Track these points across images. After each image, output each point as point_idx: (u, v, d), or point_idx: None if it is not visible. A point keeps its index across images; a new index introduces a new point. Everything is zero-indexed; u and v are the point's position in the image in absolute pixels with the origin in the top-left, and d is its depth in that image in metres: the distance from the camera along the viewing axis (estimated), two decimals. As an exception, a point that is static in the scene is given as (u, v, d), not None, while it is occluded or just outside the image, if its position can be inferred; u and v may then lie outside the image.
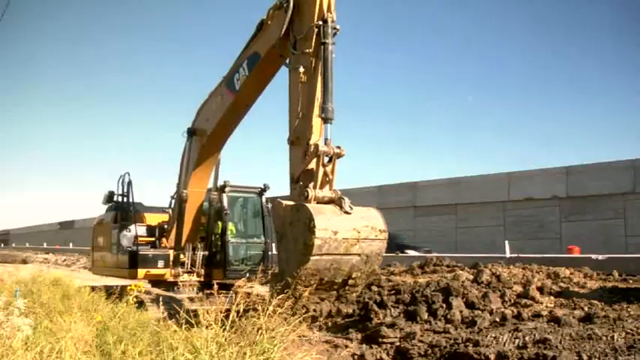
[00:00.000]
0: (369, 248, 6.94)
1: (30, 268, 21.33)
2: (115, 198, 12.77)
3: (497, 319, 10.58)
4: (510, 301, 12.38)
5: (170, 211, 12.30)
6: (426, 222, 29.82)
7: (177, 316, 7.16)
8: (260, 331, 5.77)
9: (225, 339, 5.45)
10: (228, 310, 6.27)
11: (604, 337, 8.49)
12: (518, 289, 13.07)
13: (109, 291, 11.07)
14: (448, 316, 10.84)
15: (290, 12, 7.98)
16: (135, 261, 11.44)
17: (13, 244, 71.75)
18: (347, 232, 6.65)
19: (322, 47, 7.44)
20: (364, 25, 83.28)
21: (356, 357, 8.97)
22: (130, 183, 12.22)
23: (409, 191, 30.90)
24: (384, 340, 9.53)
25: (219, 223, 12.37)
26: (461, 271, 15.60)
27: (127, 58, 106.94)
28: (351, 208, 6.87)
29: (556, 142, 65.68)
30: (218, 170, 12.28)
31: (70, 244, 59.24)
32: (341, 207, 6.88)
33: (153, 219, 12.70)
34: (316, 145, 7.12)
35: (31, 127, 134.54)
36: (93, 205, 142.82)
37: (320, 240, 6.48)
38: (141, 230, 12.09)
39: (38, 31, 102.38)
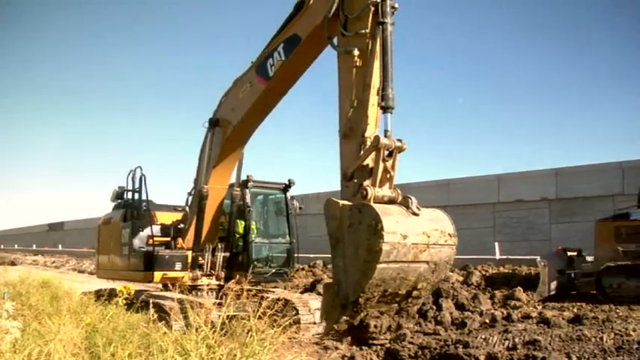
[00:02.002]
0: (438, 255, 6.05)
1: (18, 270, 21.20)
2: (124, 195, 11.94)
3: (487, 321, 10.64)
4: (500, 302, 12.44)
5: (187, 208, 11.43)
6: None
7: (167, 318, 7.14)
8: (250, 333, 5.75)
9: (216, 341, 5.43)
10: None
11: (593, 338, 8.54)
12: (507, 290, 13.17)
13: (98, 293, 10.90)
14: (438, 318, 10.89)
15: None
16: (151, 263, 10.55)
17: (2, 246, 71.28)
18: (416, 237, 5.81)
19: (380, 27, 6.54)
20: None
21: (346, 359, 8.98)
22: (142, 178, 11.33)
23: (403, 192, 30.77)
24: (375, 341, 9.51)
25: (241, 221, 11.51)
26: (451, 273, 15.67)
27: (118, 58, 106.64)
28: (419, 209, 6.06)
29: (545, 143, 65.96)
30: (241, 165, 11.42)
31: (60, 246, 58.95)
32: (407, 207, 6.03)
33: (165, 218, 11.78)
34: (376, 138, 6.19)
35: (19, 128, 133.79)
36: (83, 207, 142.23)
37: (388, 245, 5.58)
38: (154, 230, 11.11)
39: (35, 32, 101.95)
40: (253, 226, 11.72)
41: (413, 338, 9.50)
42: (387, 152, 6.24)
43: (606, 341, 8.42)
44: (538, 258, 14.88)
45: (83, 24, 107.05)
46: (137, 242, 10.96)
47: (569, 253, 15.26)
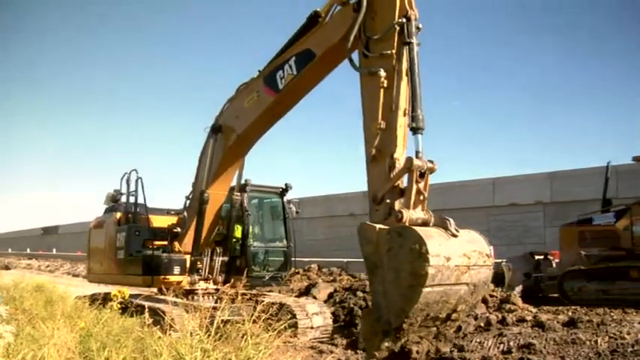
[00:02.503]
0: (478, 276, 5.89)
1: (12, 274, 21.14)
2: (119, 198, 11.81)
3: (482, 324, 10.63)
4: (495, 306, 12.43)
5: (185, 212, 11.20)
6: (412, 228, 29.87)
7: (162, 322, 7.12)
8: (245, 337, 5.74)
9: (211, 345, 5.42)
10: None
11: (588, 342, 8.55)
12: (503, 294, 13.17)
13: (93, 297, 10.84)
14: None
15: (363, 13, 6.91)
16: (150, 267, 10.54)
17: (-4, 250, 71.11)
18: (458, 259, 5.63)
19: (407, 48, 6.43)
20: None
21: (341, 362, 8.97)
22: (140, 181, 11.25)
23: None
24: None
25: (239, 225, 11.41)
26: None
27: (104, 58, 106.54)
28: (458, 231, 5.87)
29: (540, 147, 66.10)
30: (242, 170, 11.31)
31: (54, 250, 58.76)
32: (446, 229, 5.83)
33: (160, 221, 11.61)
34: (409, 159, 6.01)
35: (14, 131, 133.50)
36: (77, 210, 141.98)
37: (434, 269, 5.35)
38: (151, 233, 11.10)
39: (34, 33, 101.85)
40: (251, 230, 11.66)
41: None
42: (419, 173, 6.09)
43: (601, 345, 8.43)
44: (504, 261, 15.10)
45: (80, 25, 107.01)
46: (134, 246, 10.88)
47: (536, 257, 15.56)
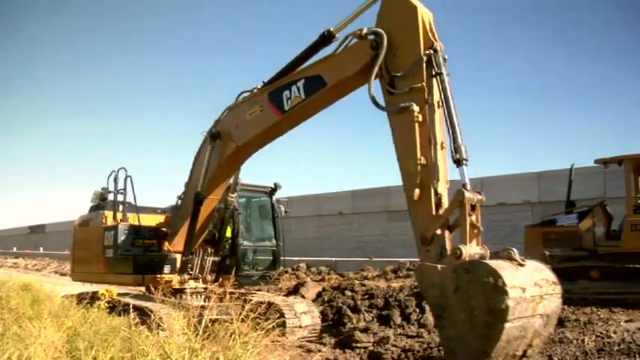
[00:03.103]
0: (550, 306, 5.54)
1: (-1, 273, 21.01)
2: (107, 196, 11.60)
3: (470, 324, 10.67)
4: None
5: (177, 212, 11.10)
6: (399, 227, 29.94)
7: (149, 321, 7.10)
8: (233, 336, 5.73)
9: (198, 344, 5.41)
10: None
11: (575, 341, 8.61)
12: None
13: (80, 296, 10.77)
14: (421, 321, 10.91)
15: (384, 54, 6.59)
16: (140, 266, 10.52)
17: (-18, 249, 70.62)
18: (532, 289, 5.29)
19: (437, 79, 6.22)
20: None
21: (329, 362, 8.97)
22: (129, 179, 11.10)
23: (383, 196, 31.00)
24: (358, 344, 9.53)
25: (229, 225, 11.32)
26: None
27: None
28: (523, 260, 5.54)
29: (528, 147, 66.44)
30: (238, 173, 11.06)
31: (41, 249, 58.43)
32: (510, 259, 5.47)
33: (148, 220, 11.52)
34: (460, 193, 5.71)
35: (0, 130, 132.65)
36: (64, 209, 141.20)
37: (513, 301, 5.01)
38: (140, 232, 10.96)
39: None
40: (241, 229, 11.63)
41: (396, 341, 9.52)
42: (470, 206, 5.83)
43: (588, 343, 8.48)
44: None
45: (66, 22, 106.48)
46: (123, 244, 10.80)
47: None
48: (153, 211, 11.98)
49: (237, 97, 9.34)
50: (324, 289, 14.44)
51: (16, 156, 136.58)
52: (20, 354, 5.17)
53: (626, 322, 9.85)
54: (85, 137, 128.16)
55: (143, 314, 7.95)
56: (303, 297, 13.25)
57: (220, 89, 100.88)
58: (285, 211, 12.54)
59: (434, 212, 6.05)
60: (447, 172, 6.26)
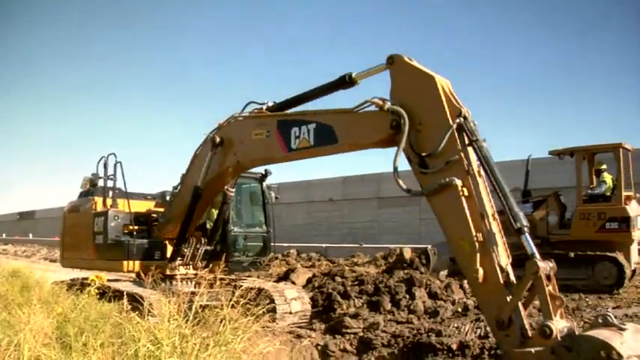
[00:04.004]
0: None
1: (-12, 260, 20.93)
2: (97, 182, 11.48)
3: (460, 310, 10.74)
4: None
5: (171, 201, 10.93)
6: (389, 213, 30.02)
7: (139, 307, 7.10)
8: (223, 322, 5.74)
9: (189, 330, 5.41)
10: None
11: (562, 327, 8.66)
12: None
13: (70, 283, 10.75)
14: (411, 307, 10.97)
15: (404, 140, 6.07)
16: (130, 252, 10.41)
17: (-30, 235, 70.34)
18: None
19: (474, 146, 5.81)
20: (333, 10, 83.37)
21: (319, 347, 9.01)
22: (119, 165, 10.96)
23: (374, 182, 31.04)
24: (348, 330, 9.58)
25: (220, 211, 11.09)
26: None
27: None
28: (624, 323, 5.07)
29: (517, 134, 66.72)
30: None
31: (30, 235, 58.23)
32: (610, 325, 5.02)
33: (138, 206, 11.39)
34: (533, 264, 5.20)
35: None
36: (53, 196, 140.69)
37: None
38: (130, 218, 10.84)
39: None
40: (232, 215, 11.58)
41: (386, 327, 9.58)
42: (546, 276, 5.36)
43: (575, 330, 8.54)
44: (429, 246, 15.38)
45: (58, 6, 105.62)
46: (113, 231, 10.76)
47: None
48: (143, 197, 11.92)
49: (245, 107, 8.98)
50: (314, 276, 14.48)
51: (4, 141, 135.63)
52: (10, 340, 5.17)
53: (613, 308, 9.94)
54: (75, 123, 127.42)
55: (133, 300, 7.95)
56: (293, 283, 13.28)
57: (213, 82, 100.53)
58: (276, 198, 12.51)
59: (505, 293, 5.48)
60: (505, 244, 5.79)
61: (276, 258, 20.94)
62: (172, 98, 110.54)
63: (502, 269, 5.53)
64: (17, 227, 69.76)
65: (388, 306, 11.08)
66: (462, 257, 5.81)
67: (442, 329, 9.01)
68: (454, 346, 8.36)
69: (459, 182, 5.73)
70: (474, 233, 5.64)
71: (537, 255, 5.31)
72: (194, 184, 9.46)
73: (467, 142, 5.85)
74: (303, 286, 13.03)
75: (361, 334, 9.38)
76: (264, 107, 8.60)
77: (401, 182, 6.12)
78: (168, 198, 11.56)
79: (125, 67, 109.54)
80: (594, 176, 14.27)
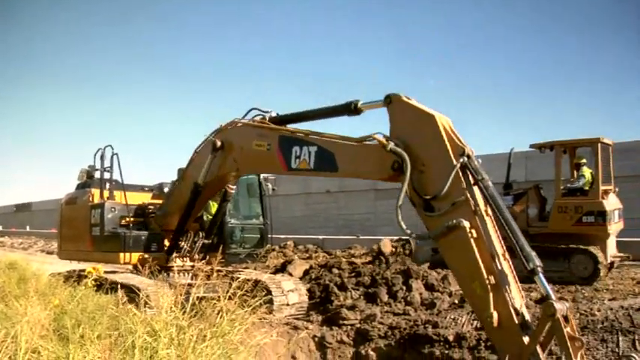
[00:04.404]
0: None
1: (-15, 252, 20.90)
2: (93, 174, 11.44)
3: (456, 301, 10.75)
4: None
5: (170, 194, 10.91)
6: (386, 205, 30.01)
7: (137, 299, 7.10)
8: (220, 314, 5.75)
9: (186, 322, 5.42)
10: None
11: (559, 318, 8.69)
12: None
13: (67, 275, 10.74)
14: (408, 299, 10.98)
15: (408, 176, 5.90)
16: (127, 244, 10.40)
17: (-33, 227, 70.21)
18: None
19: (479, 185, 5.68)
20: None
21: (316, 339, 9.04)
22: (116, 157, 10.93)
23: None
24: (345, 321, 9.61)
25: (220, 207, 11.12)
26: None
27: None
28: None
29: (515, 126, 66.78)
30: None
31: (27, 227, 58.15)
32: None
33: (134, 198, 11.40)
34: (549, 305, 5.03)
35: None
36: (50, 187, 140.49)
37: None
38: (127, 210, 10.87)
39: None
40: (229, 207, 11.55)
41: (383, 318, 9.60)
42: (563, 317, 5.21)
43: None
44: (412, 236, 15.48)
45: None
46: (110, 222, 10.76)
47: None
48: (140, 189, 11.91)
49: (247, 113, 8.86)
50: (311, 267, 14.50)
51: (1, 133, 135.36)
52: (7, 332, 5.16)
53: (609, 300, 9.97)
54: (74, 114, 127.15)
55: (130, 292, 7.96)
56: (290, 275, 13.30)
57: (211, 77, 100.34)
58: (273, 189, 12.51)
59: (522, 336, 5.30)
60: (518, 283, 5.62)
61: (273, 250, 20.93)
62: (170, 91, 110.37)
63: (517, 311, 5.36)
64: (14, 219, 69.66)
65: (385, 298, 11.10)
66: (474, 300, 5.67)
67: (439, 321, 9.04)
68: (451, 338, 8.39)
69: (466, 224, 5.55)
70: (485, 276, 5.46)
71: (553, 296, 5.18)
72: (194, 180, 9.43)
73: (472, 181, 5.71)
74: (300, 278, 13.04)
75: (358, 325, 9.40)
76: (267, 117, 8.47)
77: (404, 225, 6.02)
78: (166, 190, 11.57)
79: (123, 60, 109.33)
80: (575, 170, 14.42)
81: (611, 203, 13.56)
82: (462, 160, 5.69)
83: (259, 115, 8.62)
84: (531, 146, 14.92)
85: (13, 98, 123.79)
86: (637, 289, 11.39)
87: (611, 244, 13.87)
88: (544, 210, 14.34)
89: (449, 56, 73.53)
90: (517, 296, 5.47)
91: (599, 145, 13.42)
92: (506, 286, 5.41)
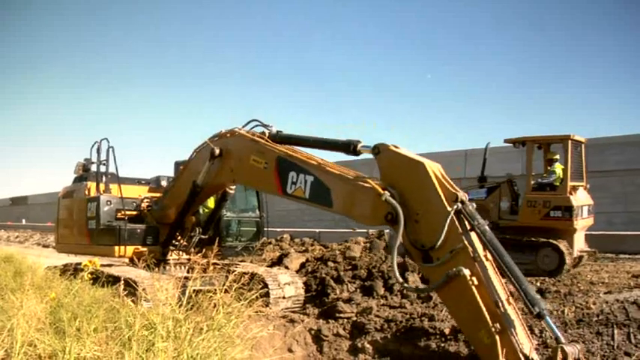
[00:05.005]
0: None
1: (-19, 245, 20.87)
2: (89, 167, 11.39)
3: (452, 294, 10.78)
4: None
5: (168, 190, 10.81)
6: (383, 199, 30.08)
7: (133, 292, 7.11)
8: (217, 307, 5.75)
9: (182, 315, 5.42)
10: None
11: (555, 312, 8.74)
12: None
13: (63, 268, 10.73)
14: (404, 292, 11.00)
15: (401, 230, 5.75)
16: (122, 237, 10.36)
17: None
18: None
19: (476, 231, 5.54)
20: None
21: (313, 332, 9.05)
22: (111, 150, 10.85)
23: (367, 167, 30.94)
24: (341, 314, 9.62)
25: (218, 206, 11.08)
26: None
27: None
28: None
29: (516, 120, 66.89)
30: None
31: (23, 221, 58.04)
32: None
33: (131, 191, 11.34)
34: (560, 351, 4.94)
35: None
36: (46, 181, 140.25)
37: None
38: (123, 203, 10.68)
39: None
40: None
41: (379, 311, 9.61)
42: None
43: (567, 314, 8.61)
44: (387, 231, 15.67)
45: None
46: (106, 216, 10.74)
47: None
48: (137, 182, 11.90)
49: (248, 123, 8.76)
50: (307, 260, 14.51)
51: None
52: (3, 325, 5.17)
53: (605, 293, 9.99)
54: (71, 107, 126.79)
55: (127, 285, 7.96)
56: (286, 268, 13.31)
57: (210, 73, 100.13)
58: None
59: None
60: (525, 326, 5.53)
61: (270, 243, 20.93)
62: (169, 87, 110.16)
63: (526, 357, 5.21)
64: (10, 213, 69.52)
65: (381, 291, 11.11)
66: (482, 350, 5.46)
67: (435, 314, 9.05)
68: (447, 331, 8.41)
69: (467, 272, 5.41)
70: (490, 323, 5.30)
71: (563, 339, 5.12)
72: (192, 179, 9.41)
73: (468, 227, 5.59)
74: (297, 271, 13.06)
75: (354, 318, 9.42)
76: (267, 132, 8.34)
77: (399, 277, 6.00)
78: (163, 183, 11.56)
79: (120, 55, 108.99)
80: (547, 166, 14.69)
81: (580, 199, 13.91)
82: (455, 206, 5.58)
83: (258, 125, 8.55)
84: (505, 141, 15.15)
85: (8, 91, 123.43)
86: (632, 282, 11.40)
87: (579, 238, 14.20)
88: (516, 204, 14.61)
89: (446, 50, 73.49)
90: (525, 341, 5.34)
91: (570, 142, 13.73)
92: (513, 331, 5.27)
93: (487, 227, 5.54)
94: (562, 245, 13.24)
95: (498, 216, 14.53)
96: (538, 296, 5.18)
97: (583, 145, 14.59)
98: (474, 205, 5.70)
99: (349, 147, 7.12)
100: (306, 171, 7.27)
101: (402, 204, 5.83)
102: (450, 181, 5.82)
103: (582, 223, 13.99)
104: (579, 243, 14.20)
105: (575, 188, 13.86)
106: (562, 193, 13.62)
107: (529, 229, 13.78)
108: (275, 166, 7.70)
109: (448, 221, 5.53)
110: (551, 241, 13.39)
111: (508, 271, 5.33)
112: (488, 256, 5.52)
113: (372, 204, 6.19)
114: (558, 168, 14.13)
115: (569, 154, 13.70)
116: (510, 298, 5.44)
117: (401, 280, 5.92)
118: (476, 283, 5.43)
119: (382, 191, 6.00)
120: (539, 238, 13.56)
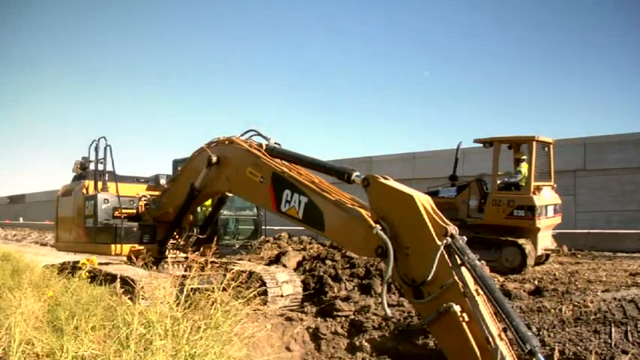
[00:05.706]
0: None
1: (-22, 243, 20.84)
2: (87, 166, 11.39)
3: (450, 293, 10.79)
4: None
5: (167, 190, 10.70)
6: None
7: (131, 290, 7.10)
8: (214, 305, 5.75)
9: (180, 313, 5.42)
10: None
11: (552, 310, 8.74)
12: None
13: (61, 266, 10.74)
14: (402, 290, 11.02)
15: (391, 265, 5.62)
16: (118, 235, 10.45)
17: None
18: None
19: (466, 266, 5.43)
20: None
21: (311, 330, 9.05)
22: (109, 148, 10.93)
23: (365, 165, 30.98)
24: (339, 313, 9.62)
25: (217, 208, 11.04)
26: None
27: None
28: None
29: (512, 117, 66.91)
30: None
31: (21, 219, 58.00)
32: None
33: (129, 189, 11.40)
34: None
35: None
36: (44, 179, 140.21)
37: None
38: (120, 202, 10.83)
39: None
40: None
41: (377, 310, 9.61)
42: None
43: (565, 312, 8.62)
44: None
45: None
46: (103, 214, 10.74)
47: None
48: (136, 180, 11.91)
49: (246, 132, 8.65)
50: (305, 259, 14.50)
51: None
52: (1, 324, 5.16)
53: (602, 292, 10.00)
54: (68, 106, 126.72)
55: (125, 283, 7.95)
56: (284, 266, 13.31)
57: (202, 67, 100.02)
58: None
59: None
60: None
61: (268, 241, 20.94)
62: (168, 85, 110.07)
63: None
64: (7, 211, 69.49)
65: (379, 289, 11.11)
66: None
67: (433, 312, 9.06)
68: (445, 329, 8.41)
69: (457, 308, 5.32)
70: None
71: None
72: (190, 181, 9.36)
73: (458, 262, 5.49)
74: (295, 269, 13.06)
75: (352, 316, 9.42)
76: (265, 144, 8.16)
77: (389, 312, 5.97)
78: (162, 182, 11.56)
79: (119, 54, 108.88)
80: (515, 166, 14.95)
81: (544, 199, 14.22)
82: (445, 240, 5.46)
83: (255, 135, 8.46)
84: (475, 141, 15.54)
85: (6, 89, 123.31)
86: (630, 280, 11.42)
87: (544, 237, 14.52)
88: (485, 202, 14.80)
89: (444, 48, 73.49)
90: None
91: (535, 142, 14.09)
92: None
93: (477, 262, 5.43)
94: (524, 244, 13.59)
95: (467, 214, 14.85)
96: (529, 333, 5.06)
97: (551, 146, 15.05)
98: (465, 239, 5.60)
99: (343, 175, 7.05)
100: (301, 192, 7.17)
101: (393, 237, 5.77)
102: (440, 214, 5.73)
103: (546, 222, 14.34)
104: (544, 241, 14.57)
105: (539, 188, 14.17)
106: (525, 192, 13.98)
107: (495, 227, 14.12)
108: (270, 184, 7.59)
109: (437, 256, 5.42)
110: (514, 239, 13.72)
111: (499, 308, 5.22)
112: (480, 290, 5.41)
113: (365, 235, 6.06)
114: (524, 168, 14.39)
115: (534, 155, 14.05)
116: (502, 333, 5.34)
117: (390, 314, 5.83)
118: (466, 319, 5.32)
119: (374, 224, 5.92)
120: (504, 236, 13.91)
